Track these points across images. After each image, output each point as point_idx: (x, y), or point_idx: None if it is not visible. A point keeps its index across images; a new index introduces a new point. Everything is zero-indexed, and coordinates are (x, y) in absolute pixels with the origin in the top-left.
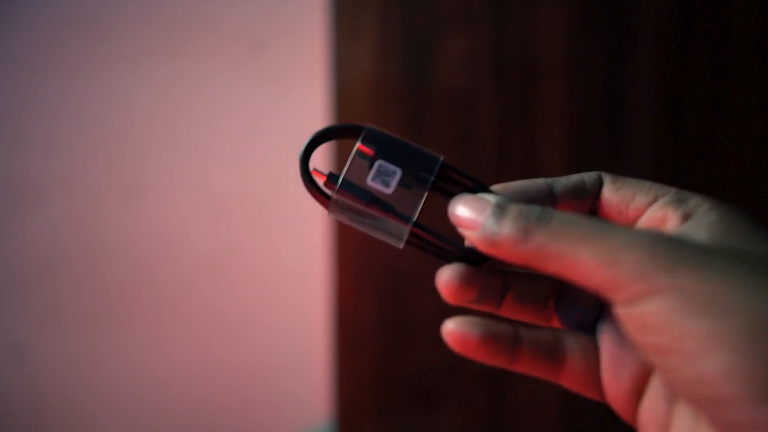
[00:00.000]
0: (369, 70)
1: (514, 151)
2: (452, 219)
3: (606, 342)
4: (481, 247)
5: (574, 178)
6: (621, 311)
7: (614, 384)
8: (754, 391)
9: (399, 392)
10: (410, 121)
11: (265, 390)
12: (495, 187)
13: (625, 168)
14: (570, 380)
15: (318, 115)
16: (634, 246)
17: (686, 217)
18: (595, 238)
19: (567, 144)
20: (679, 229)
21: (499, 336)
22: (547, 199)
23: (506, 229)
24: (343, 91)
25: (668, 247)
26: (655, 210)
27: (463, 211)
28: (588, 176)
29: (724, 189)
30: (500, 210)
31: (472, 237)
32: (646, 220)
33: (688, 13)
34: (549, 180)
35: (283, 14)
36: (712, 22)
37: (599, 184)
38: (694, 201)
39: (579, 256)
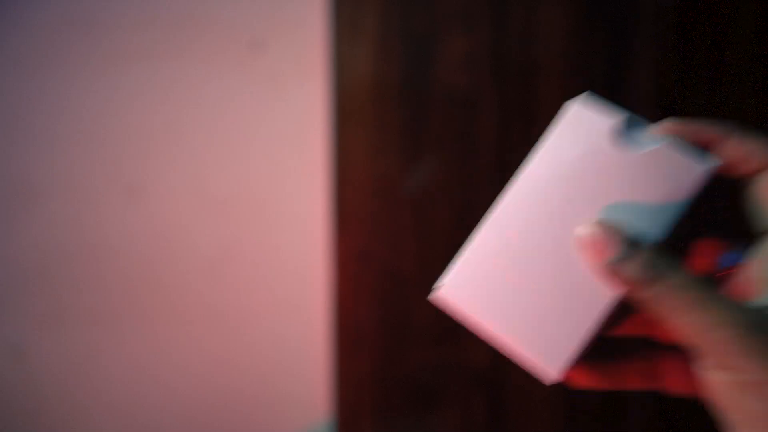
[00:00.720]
0: (369, 70)
1: (514, 151)
2: (580, 237)
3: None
4: (600, 272)
5: (744, 150)
6: (702, 369)
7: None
8: None
9: (399, 392)
10: (410, 121)
11: (265, 390)
12: (667, 125)
13: None
14: (678, 390)
15: (318, 115)
16: (721, 326)
17: None
18: (692, 308)
19: None
20: None
21: (603, 368)
22: (710, 146)
23: (628, 273)
24: (343, 91)
25: (755, 337)
26: None
27: (593, 236)
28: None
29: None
30: (629, 252)
31: (595, 262)
32: None
33: (688, 13)
34: (724, 134)
35: (283, 14)
36: (712, 22)
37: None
38: None
39: (674, 321)
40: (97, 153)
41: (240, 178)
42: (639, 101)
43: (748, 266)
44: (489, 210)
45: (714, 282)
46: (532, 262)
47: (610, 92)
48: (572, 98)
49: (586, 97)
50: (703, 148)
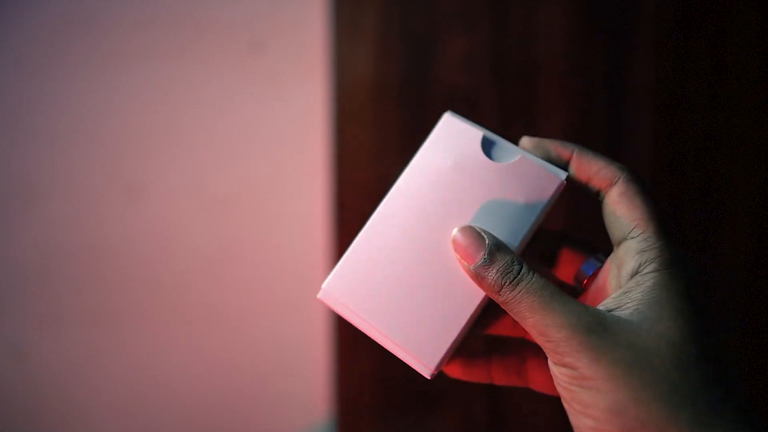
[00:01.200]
0: (369, 70)
1: None
2: (452, 241)
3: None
4: (468, 274)
5: (591, 169)
6: (551, 369)
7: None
8: None
9: (399, 392)
10: (410, 121)
11: (265, 390)
12: (525, 140)
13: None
14: (538, 388)
15: (318, 115)
16: (560, 327)
17: (634, 272)
18: (540, 311)
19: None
20: (619, 291)
21: (474, 363)
22: (564, 162)
23: (489, 278)
24: (343, 91)
25: (585, 337)
26: (623, 246)
27: (462, 240)
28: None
29: (724, 189)
30: (490, 258)
31: (462, 264)
32: (621, 252)
33: (688, 13)
34: (576, 152)
35: (283, 14)
36: (712, 22)
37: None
38: (648, 255)
39: (526, 322)
40: (97, 153)
41: (240, 178)
42: (639, 101)
43: (601, 274)
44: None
45: (575, 292)
46: (409, 263)
47: (610, 92)
48: (572, 98)
49: (452, 113)
50: (558, 163)
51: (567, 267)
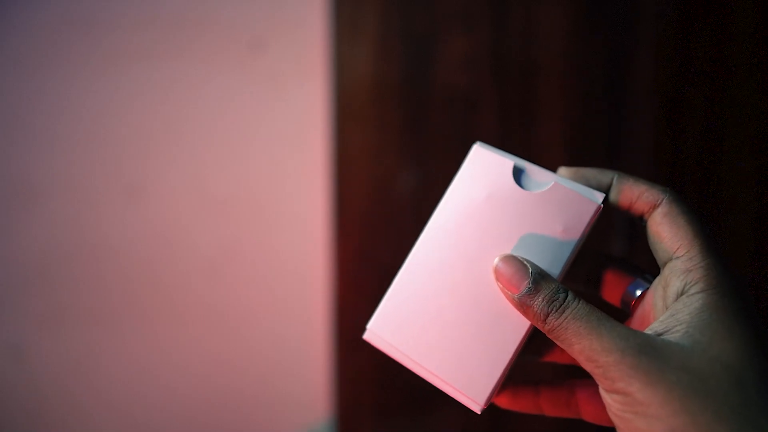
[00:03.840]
0: (369, 70)
1: (514, 151)
2: (494, 271)
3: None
4: (512, 304)
5: (633, 194)
6: (601, 392)
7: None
8: None
9: (399, 392)
10: (410, 121)
11: (265, 390)
12: (562, 170)
13: (625, 168)
14: (591, 419)
15: (318, 115)
16: (608, 352)
17: (680, 293)
18: (587, 336)
19: (567, 144)
20: (666, 313)
21: (522, 393)
22: (604, 189)
23: (534, 306)
24: (343, 91)
25: (636, 360)
26: (668, 267)
27: (505, 270)
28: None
29: (724, 189)
30: (535, 286)
31: (506, 294)
32: (666, 275)
33: (688, 13)
34: (616, 178)
35: (283, 14)
36: (712, 22)
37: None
38: (694, 275)
39: (573, 348)
40: (97, 153)
41: (240, 178)
42: (639, 101)
43: (648, 297)
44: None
45: (621, 315)
46: (451, 297)
47: (610, 92)
48: (572, 98)
49: (482, 143)
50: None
51: (612, 288)
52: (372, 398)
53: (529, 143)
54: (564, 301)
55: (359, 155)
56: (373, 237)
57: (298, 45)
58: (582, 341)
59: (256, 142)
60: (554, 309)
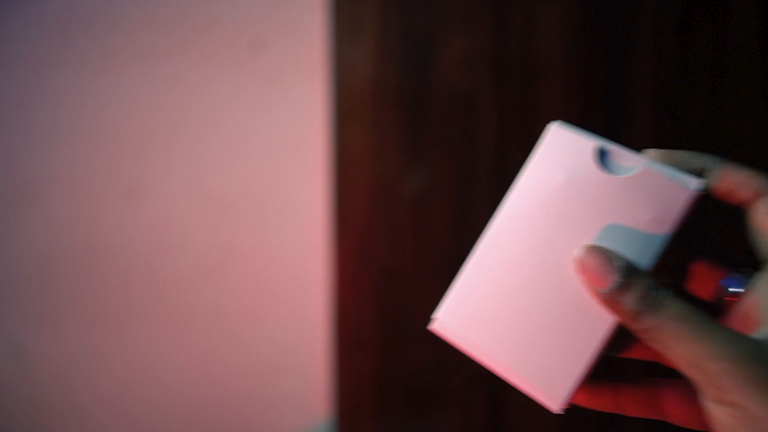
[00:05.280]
0: (369, 70)
1: (514, 151)
2: (577, 263)
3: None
4: (597, 299)
5: (729, 181)
6: (703, 401)
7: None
8: None
9: (399, 392)
10: (410, 121)
11: (265, 390)
12: (651, 152)
13: None
14: (680, 423)
15: (318, 116)
16: (719, 359)
17: None
18: (689, 340)
19: None
20: None
21: (601, 391)
22: (697, 173)
23: (625, 303)
24: (343, 91)
25: (753, 370)
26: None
27: (590, 261)
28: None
29: None
30: (626, 281)
31: (590, 289)
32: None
33: (688, 14)
34: (707, 164)
35: (283, 14)
36: (712, 22)
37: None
38: None
39: (672, 352)
40: (97, 153)
41: (240, 178)
42: (639, 101)
43: (749, 295)
44: (483, 230)
45: (713, 311)
46: (526, 288)
47: (610, 92)
48: (572, 98)
49: (562, 122)
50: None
51: (703, 282)
52: (372, 398)
53: (529, 143)
54: (660, 299)
55: (359, 155)
56: (373, 237)
57: (298, 45)
58: (684, 345)
59: (256, 142)
60: (649, 307)
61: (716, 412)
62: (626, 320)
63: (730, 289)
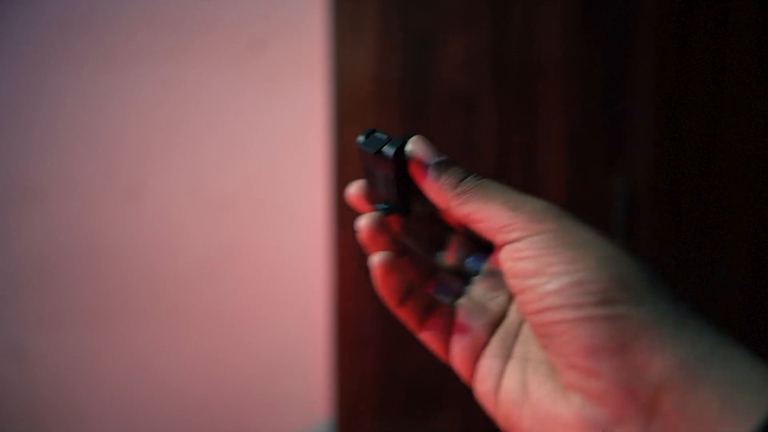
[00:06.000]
0: (369, 70)
1: (514, 151)
2: (411, 152)
3: (460, 311)
4: (425, 176)
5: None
6: (510, 247)
7: (459, 345)
8: (599, 299)
9: (399, 392)
10: (410, 121)
11: (265, 390)
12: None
13: (625, 168)
14: (428, 337)
15: (318, 115)
16: (530, 202)
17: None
18: (507, 193)
19: (567, 143)
20: None
21: (396, 267)
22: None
23: (451, 177)
24: (343, 91)
25: (554, 208)
26: None
27: (420, 148)
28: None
29: (724, 188)
30: (447, 161)
31: (418, 172)
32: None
33: (688, 13)
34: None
35: (283, 14)
36: (712, 22)
37: None
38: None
39: (495, 200)
40: (97, 153)
41: (240, 178)
42: (639, 101)
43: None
44: None
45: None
46: None
47: (610, 92)
48: (572, 98)
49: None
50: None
51: (451, 250)
52: (372, 398)
53: (529, 143)
54: (473, 176)
55: (359, 155)
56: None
57: (298, 45)
58: (503, 196)
59: (256, 142)
60: (470, 176)
61: (529, 242)
62: (449, 189)
63: (472, 266)
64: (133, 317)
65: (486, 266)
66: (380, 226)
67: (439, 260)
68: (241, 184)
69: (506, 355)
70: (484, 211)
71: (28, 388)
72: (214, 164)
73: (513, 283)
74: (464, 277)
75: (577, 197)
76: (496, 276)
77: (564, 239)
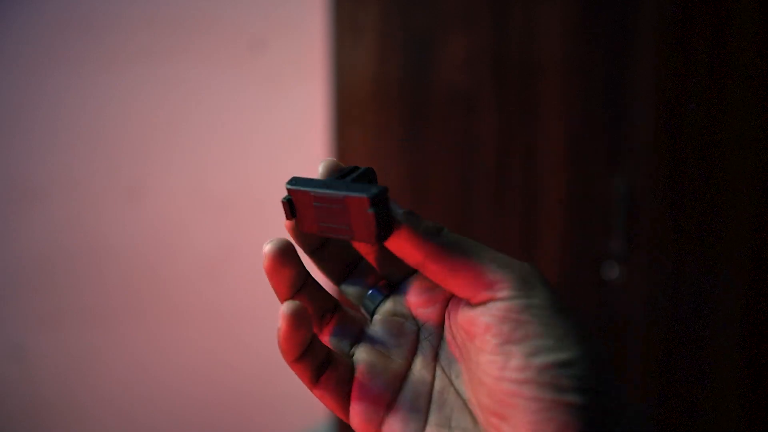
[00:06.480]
0: (369, 70)
1: (514, 151)
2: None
3: (360, 366)
4: (401, 232)
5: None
6: (499, 305)
7: (359, 406)
8: (582, 384)
9: None
10: (410, 121)
11: (265, 390)
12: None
13: (625, 168)
14: (323, 395)
15: (318, 115)
16: (518, 263)
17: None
18: (493, 251)
19: (567, 143)
20: None
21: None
22: None
23: (424, 226)
24: (343, 91)
25: (539, 273)
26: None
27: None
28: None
29: (724, 188)
30: (416, 217)
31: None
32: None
33: (688, 13)
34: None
35: (283, 14)
36: (712, 22)
37: None
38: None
39: (484, 255)
40: (97, 153)
41: (240, 178)
42: (639, 101)
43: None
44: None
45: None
46: None
47: (610, 92)
48: (572, 98)
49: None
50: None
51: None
52: None
53: (529, 143)
54: (440, 228)
55: (359, 155)
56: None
57: (298, 45)
58: (488, 254)
59: (256, 142)
60: (436, 230)
61: (475, 311)
62: (425, 241)
63: (368, 300)
64: (133, 317)
65: (386, 304)
66: (287, 254)
67: (343, 290)
68: (241, 184)
69: (419, 421)
70: (472, 264)
71: (28, 388)
72: (214, 164)
73: (490, 342)
74: (365, 310)
75: (577, 197)
76: (397, 317)
77: (552, 310)
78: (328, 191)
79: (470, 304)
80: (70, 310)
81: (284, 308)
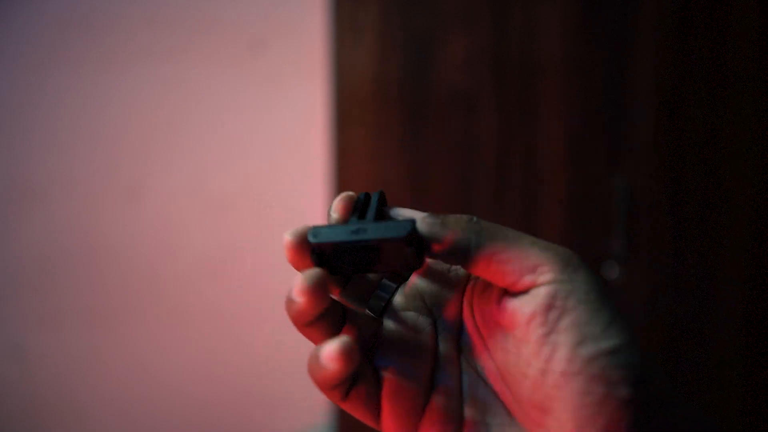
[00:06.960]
0: (369, 70)
1: (514, 151)
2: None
3: (388, 377)
4: (434, 251)
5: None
6: (541, 290)
7: (392, 411)
8: (634, 376)
9: None
10: (410, 121)
11: (265, 390)
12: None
13: (625, 168)
14: (354, 406)
15: (318, 115)
16: (556, 245)
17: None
18: (528, 235)
19: (567, 143)
20: None
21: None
22: None
23: (458, 223)
24: (343, 91)
25: (578, 257)
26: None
27: (408, 212)
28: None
29: (724, 188)
30: (444, 217)
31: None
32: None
33: (688, 13)
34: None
35: (283, 14)
36: (712, 22)
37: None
38: None
39: (522, 239)
40: (97, 153)
41: (240, 178)
42: (639, 101)
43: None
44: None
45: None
46: None
47: (610, 92)
48: (572, 98)
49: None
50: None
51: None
52: None
53: (529, 143)
54: (477, 220)
55: (359, 155)
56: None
57: (298, 45)
58: (517, 241)
59: (256, 142)
60: (475, 225)
61: (517, 300)
62: (463, 237)
63: (383, 290)
64: (133, 317)
65: (396, 301)
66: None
67: (344, 295)
68: (241, 184)
69: (455, 421)
70: (511, 249)
71: (28, 388)
72: (214, 164)
73: (535, 332)
74: (372, 312)
75: (577, 197)
76: (410, 312)
77: (597, 294)
78: (357, 238)
79: (510, 293)
80: (70, 310)
81: (328, 347)
